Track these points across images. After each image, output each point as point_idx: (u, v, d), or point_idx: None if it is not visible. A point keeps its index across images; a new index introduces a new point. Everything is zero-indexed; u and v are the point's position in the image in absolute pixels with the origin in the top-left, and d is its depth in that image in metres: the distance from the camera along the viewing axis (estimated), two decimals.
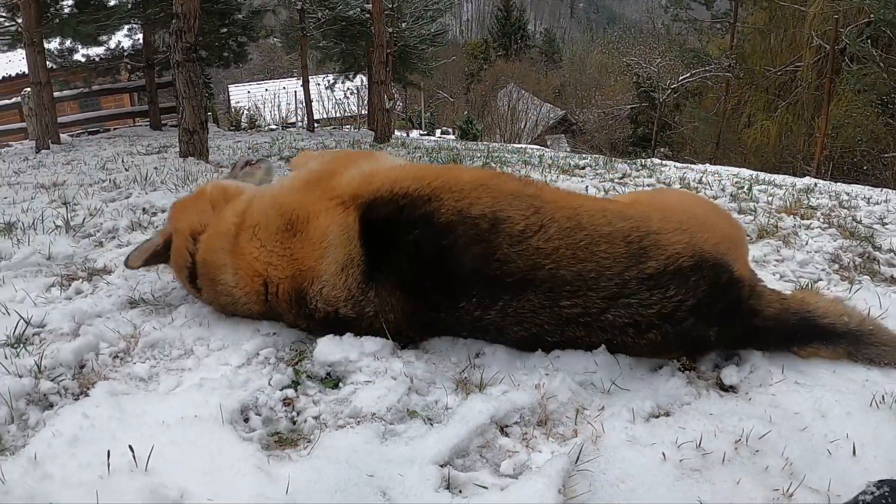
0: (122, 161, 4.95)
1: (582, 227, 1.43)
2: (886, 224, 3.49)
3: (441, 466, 1.16)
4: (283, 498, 1.08)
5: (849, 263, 2.57)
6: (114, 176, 4.01)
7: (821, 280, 2.32)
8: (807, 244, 2.77)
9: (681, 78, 22.59)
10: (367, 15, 10.51)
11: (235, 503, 1.08)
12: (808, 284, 2.21)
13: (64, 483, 1.12)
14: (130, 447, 1.17)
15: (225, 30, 10.00)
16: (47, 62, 7.45)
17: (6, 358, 1.51)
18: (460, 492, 1.11)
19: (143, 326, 1.74)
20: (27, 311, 1.80)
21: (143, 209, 3.08)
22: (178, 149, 4.65)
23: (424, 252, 1.48)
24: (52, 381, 1.44)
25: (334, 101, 21.26)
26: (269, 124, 26.20)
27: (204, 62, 10.20)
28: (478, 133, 24.40)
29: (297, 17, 10.80)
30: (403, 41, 10.81)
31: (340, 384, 1.49)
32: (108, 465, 1.14)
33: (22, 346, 1.62)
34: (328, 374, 1.52)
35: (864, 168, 16.59)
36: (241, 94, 25.71)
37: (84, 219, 2.83)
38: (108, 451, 1.16)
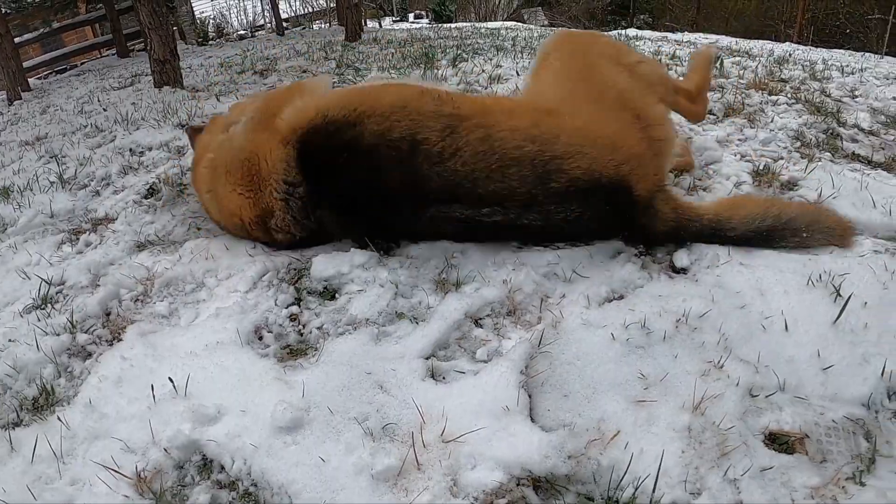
0: (98, 100, 4.87)
1: (493, 151, 1.57)
2: (857, 97, 3.48)
3: (426, 359, 1.35)
4: (300, 401, 1.28)
5: (811, 141, 2.63)
6: (93, 119, 3.98)
7: (781, 158, 2.40)
8: (772, 121, 2.83)
9: None
10: None
11: (262, 409, 1.27)
12: (764, 167, 2.28)
13: (119, 418, 1.32)
14: (170, 378, 1.37)
15: None
16: (1, 8, 7.06)
17: (39, 320, 1.68)
18: (443, 378, 1.31)
19: (155, 268, 1.90)
20: (46, 273, 1.95)
21: (130, 150, 3.12)
22: (150, 77, 4.54)
23: (354, 174, 1.64)
24: (86, 332, 1.62)
25: None
26: (237, 31, 24.74)
27: None
28: (452, 14, 23.03)
29: None
30: None
31: (336, 295, 1.66)
32: (154, 397, 1.34)
33: (50, 305, 1.79)
34: (325, 287, 1.68)
35: (848, 31, 15.64)
36: (205, 4, 23.99)
37: (76, 170, 2.90)
38: (151, 385, 1.35)
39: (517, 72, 3.76)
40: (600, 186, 1.58)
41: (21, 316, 1.74)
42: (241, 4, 25.38)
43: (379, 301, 1.55)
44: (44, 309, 1.79)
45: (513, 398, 1.22)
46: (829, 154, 2.51)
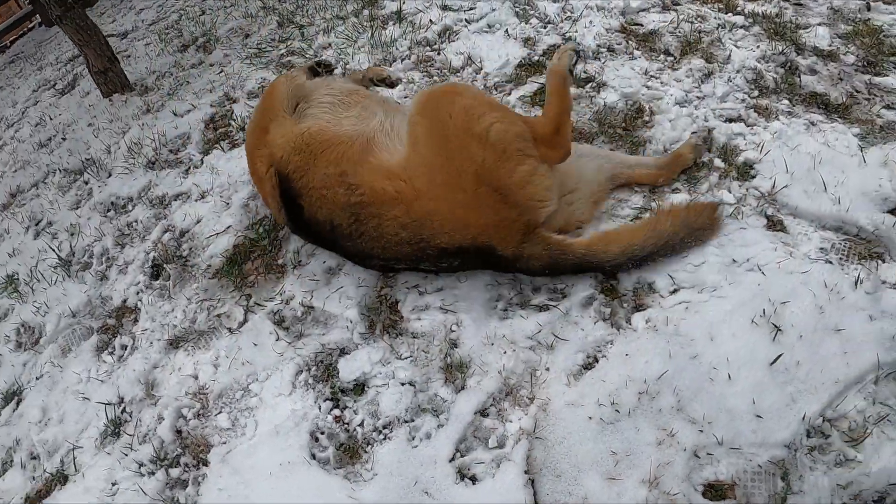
0: (50, 117, 4.67)
1: (382, 236, 1.97)
2: None
3: (452, 461, 1.66)
4: None
5: (769, 85, 2.66)
6: (58, 157, 3.90)
7: (739, 119, 2.48)
8: (730, 58, 2.81)
9: None
10: None
11: None
12: (722, 147, 2.36)
13: None
14: None
15: None
16: None
17: (125, 455, 1.98)
18: (469, 472, 1.66)
19: (200, 376, 2.14)
20: (101, 391, 2.21)
21: (112, 204, 3.18)
22: (90, 69, 4.30)
23: (298, 215, 2.13)
24: (174, 466, 1.92)
25: None
26: None
27: None
28: None
29: None
30: None
31: (366, 388, 1.94)
32: None
33: (122, 430, 2.08)
34: (354, 385, 1.94)
35: None
36: None
37: (71, 245, 3.00)
38: None
39: (466, 20, 3.59)
40: (466, 249, 1.91)
41: (106, 453, 2.04)
42: None
43: (403, 399, 1.84)
44: (117, 435, 2.08)
45: (521, 499, 1.56)
46: (787, 102, 2.58)
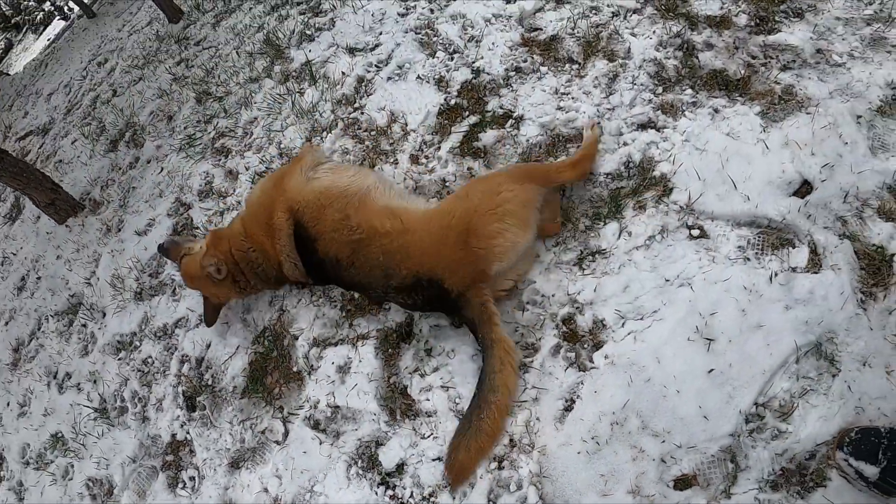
0: (13, 253, 4.78)
1: (366, 263, 2.42)
2: None
3: None
4: None
5: (671, 76, 2.85)
6: (41, 299, 4.10)
7: (650, 125, 2.70)
8: (630, 52, 3.00)
9: None
10: None
11: None
12: (639, 164, 2.63)
13: None
14: None
15: None
16: None
17: None
18: None
19: (269, 488, 2.54)
20: None
21: (119, 344, 3.45)
22: (36, 204, 4.41)
23: (312, 255, 2.58)
24: None
25: None
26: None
27: None
28: None
29: None
30: None
31: (405, 467, 2.35)
32: None
33: None
34: (396, 467, 2.35)
35: None
36: None
37: (100, 394, 3.29)
38: None
39: (376, 64, 3.74)
40: (420, 280, 2.30)
41: None
42: None
43: (437, 469, 2.25)
44: None
45: None
46: (690, 91, 2.75)
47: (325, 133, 3.48)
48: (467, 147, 3.01)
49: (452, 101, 3.21)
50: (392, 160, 3.14)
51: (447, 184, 2.92)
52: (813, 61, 2.68)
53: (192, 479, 2.78)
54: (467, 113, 3.13)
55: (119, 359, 3.35)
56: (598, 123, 2.76)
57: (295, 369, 2.76)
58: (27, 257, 4.52)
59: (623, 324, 2.26)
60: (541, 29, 3.37)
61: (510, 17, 3.51)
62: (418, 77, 3.39)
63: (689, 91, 2.78)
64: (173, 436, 2.94)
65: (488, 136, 2.97)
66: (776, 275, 2.15)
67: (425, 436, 2.36)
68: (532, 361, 2.33)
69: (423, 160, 3.07)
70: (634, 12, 3.21)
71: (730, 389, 2.01)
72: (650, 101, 2.81)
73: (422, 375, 2.48)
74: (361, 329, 2.69)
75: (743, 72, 2.76)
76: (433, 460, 2.29)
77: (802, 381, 1.99)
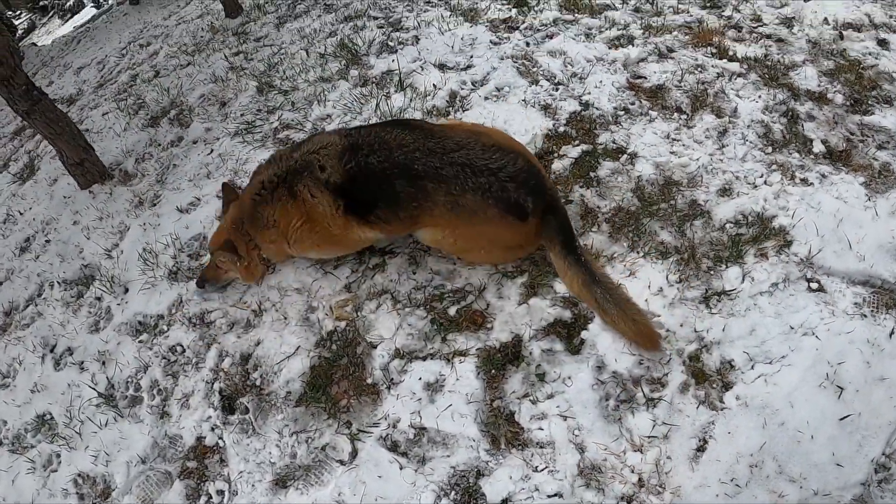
0: (18, 212, 4.26)
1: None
2: (793, 29, 3.58)
3: None
4: None
5: (778, 138, 2.89)
6: (48, 264, 3.60)
7: (763, 182, 2.68)
8: (737, 111, 3.03)
9: None
10: None
11: None
12: (757, 216, 2.57)
13: None
14: None
15: None
16: None
17: None
18: None
19: None
20: None
21: (141, 324, 3.00)
22: (63, 161, 3.98)
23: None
24: None
25: None
26: None
27: None
28: None
29: None
30: None
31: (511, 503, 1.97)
32: None
33: None
34: (502, 502, 1.97)
35: None
36: None
37: (108, 377, 2.81)
38: None
39: (471, 83, 3.61)
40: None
41: None
42: None
43: None
44: None
45: None
46: (797, 155, 2.81)
47: None
48: (579, 173, 2.84)
49: (561, 129, 3.08)
50: None
51: None
52: None
53: (220, 493, 2.32)
54: (577, 141, 3.00)
55: (140, 341, 2.89)
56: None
57: (369, 381, 2.40)
58: (36, 218, 4.02)
59: (752, 366, 2.13)
60: (645, 77, 3.35)
61: (614, 61, 3.50)
62: (522, 101, 3.28)
63: (797, 155, 2.83)
64: (200, 439, 2.48)
65: (604, 168, 2.84)
66: (893, 332, 2.12)
67: (538, 468, 2.03)
68: (660, 396, 2.11)
69: None
70: (739, 76, 3.29)
71: (860, 438, 1.94)
72: (761, 159, 2.81)
73: (533, 402, 2.16)
74: (458, 345, 2.37)
75: (844, 145, 2.85)
76: (550, 496, 1.94)
77: None
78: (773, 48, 3.47)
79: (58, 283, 3.43)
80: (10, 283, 3.63)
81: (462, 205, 2.26)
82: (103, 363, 2.91)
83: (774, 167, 2.75)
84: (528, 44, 3.83)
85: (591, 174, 2.84)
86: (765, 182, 2.70)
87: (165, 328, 2.92)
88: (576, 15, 4.02)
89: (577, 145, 2.97)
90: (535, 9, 4.18)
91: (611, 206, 2.69)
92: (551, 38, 3.79)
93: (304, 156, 2.45)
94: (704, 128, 3.00)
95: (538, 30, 3.91)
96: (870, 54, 3.31)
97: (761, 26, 3.67)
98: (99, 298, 3.23)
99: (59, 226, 3.85)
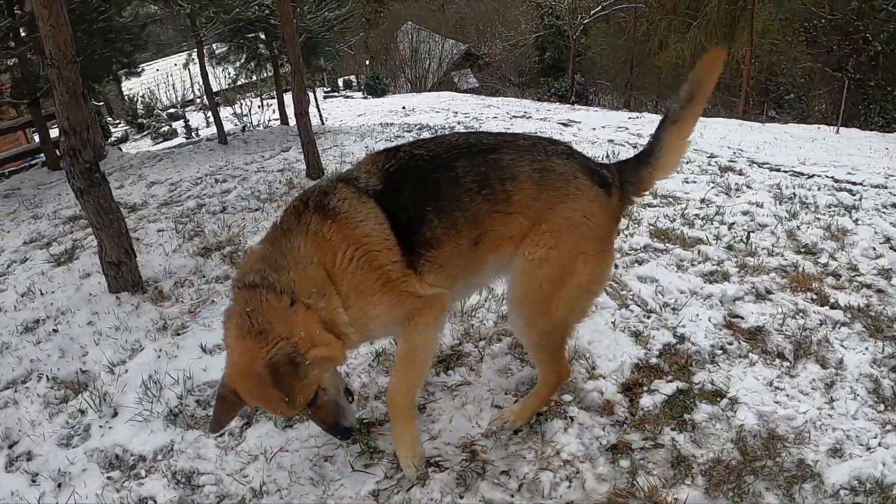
0: (40, 291, 4.01)
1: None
2: (891, 280, 3.48)
3: None
4: None
5: (888, 394, 2.63)
6: (42, 351, 3.22)
7: (877, 442, 2.36)
8: (842, 363, 2.80)
9: (592, 12, 22.77)
10: (267, 11, 9.35)
11: None
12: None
13: None
14: None
15: (108, 52, 8.45)
16: None
17: None
18: None
19: None
20: None
21: (119, 459, 2.53)
22: (101, 256, 3.78)
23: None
24: None
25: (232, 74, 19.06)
26: (166, 108, 23.52)
27: (93, 80, 8.80)
28: (385, 87, 23.49)
29: (188, 24, 9.35)
30: (307, 30, 9.53)
31: None
32: None
33: None
34: None
35: (790, 96, 17.38)
36: (133, 82, 22.39)
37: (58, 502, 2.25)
38: None
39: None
40: None
41: None
42: (170, 79, 24.07)
43: None
44: None
45: None
46: None
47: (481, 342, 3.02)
48: (671, 413, 2.56)
49: (653, 360, 2.84)
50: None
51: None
52: None
53: None
54: (671, 377, 2.77)
55: (109, 477, 2.38)
56: None
57: None
58: (54, 304, 3.84)
59: None
60: (742, 318, 3.21)
61: (710, 295, 3.39)
62: (612, 324, 3.08)
63: None
64: None
65: (701, 411, 2.59)
66: None
67: None
68: None
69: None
70: (843, 325, 3.11)
71: None
72: (873, 417, 2.54)
73: None
74: None
75: None
76: None
77: None
78: (873, 298, 3.32)
79: (47, 377, 3.10)
80: (1, 356, 3.21)
81: (551, 169, 1.92)
82: (59, 486, 2.44)
83: (889, 427, 2.46)
84: (616, 266, 3.76)
85: (686, 416, 2.57)
86: (879, 444, 2.38)
87: (143, 474, 2.43)
88: (667, 244, 4.04)
89: (671, 381, 2.75)
90: (626, 232, 4.22)
91: (708, 457, 2.36)
92: (640, 263, 3.73)
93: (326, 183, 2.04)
94: (809, 378, 2.76)
95: (627, 253, 3.91)
96: None
97: (859, 276, 3.58)
98: (83, 412, 2.82)
99: (73, 320, 3.61)
